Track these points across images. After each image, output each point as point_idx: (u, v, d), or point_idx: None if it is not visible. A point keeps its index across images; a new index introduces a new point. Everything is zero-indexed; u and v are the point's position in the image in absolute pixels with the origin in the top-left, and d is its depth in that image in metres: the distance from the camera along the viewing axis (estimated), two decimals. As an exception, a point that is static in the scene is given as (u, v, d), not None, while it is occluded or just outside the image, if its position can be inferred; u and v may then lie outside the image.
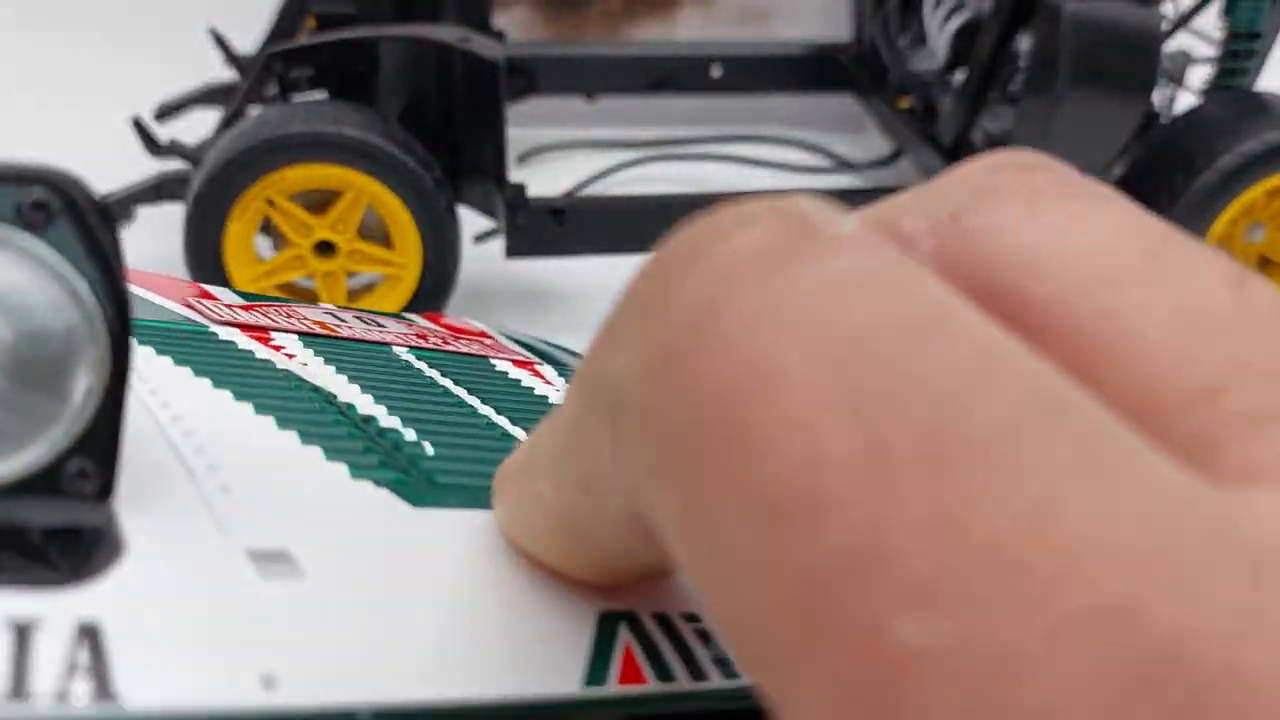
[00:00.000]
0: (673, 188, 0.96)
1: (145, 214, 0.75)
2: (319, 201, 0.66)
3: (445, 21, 0.84)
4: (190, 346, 0.29)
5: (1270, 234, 0.70)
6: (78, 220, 0.18)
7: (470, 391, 0.31)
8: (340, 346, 0.32)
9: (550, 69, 0.97)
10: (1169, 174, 0.68)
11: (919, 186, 0.16)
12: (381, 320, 0.38)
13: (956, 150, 0.81)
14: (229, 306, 0.34)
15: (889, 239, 0.15)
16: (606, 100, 1.01)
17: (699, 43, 1.04)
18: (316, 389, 0.28)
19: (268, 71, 0.68)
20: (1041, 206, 0.14)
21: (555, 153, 1.03)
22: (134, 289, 0.34)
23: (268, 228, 0.66)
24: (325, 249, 0.66)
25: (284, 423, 0.25)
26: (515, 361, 0.36)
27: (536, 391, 0.34)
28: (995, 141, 0.80)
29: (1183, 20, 0.76)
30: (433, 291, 0.68)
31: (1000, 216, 0.14)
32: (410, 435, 0.26)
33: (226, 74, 0.89)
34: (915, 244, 0.15)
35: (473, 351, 0.36)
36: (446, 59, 0.70)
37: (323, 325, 0.35)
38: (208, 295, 0.36)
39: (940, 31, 0.87)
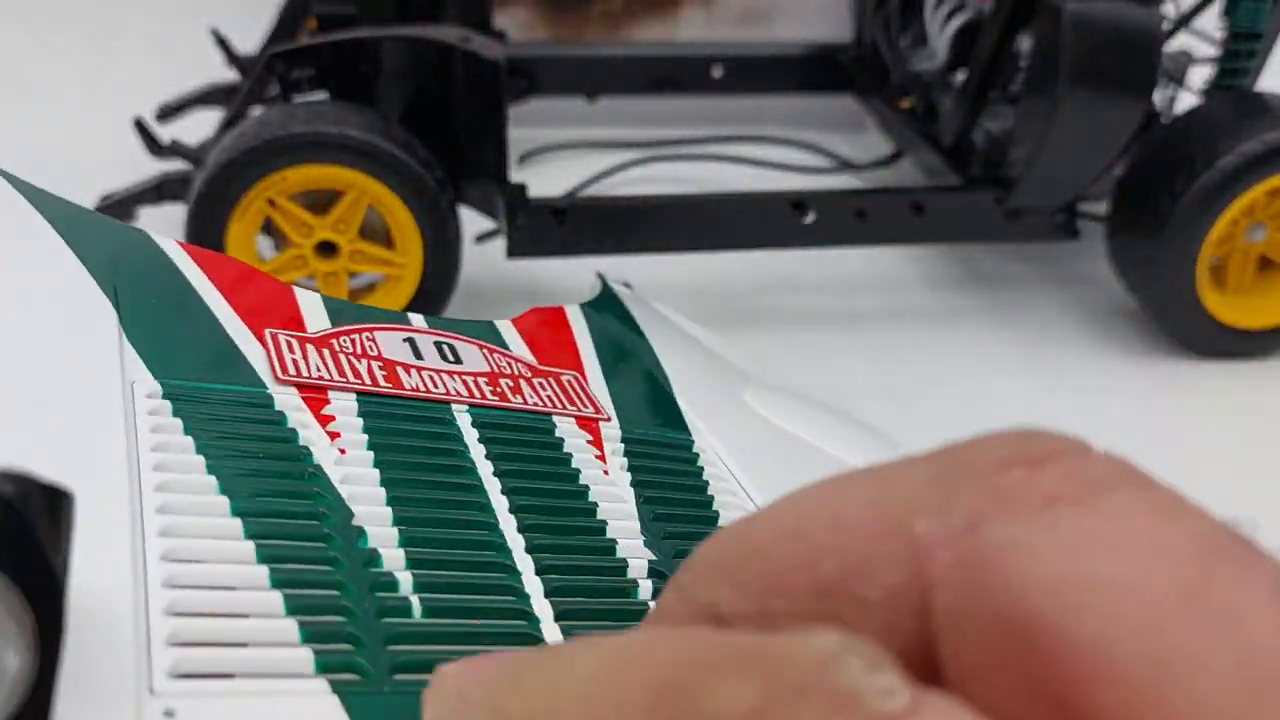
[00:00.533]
0: (674, 188, 0.96)
1: (146, 214, 0.75)
2: (320, 202, 0.66)
3: (446, 22, 0.84)
4: (232, 425, 0.29)
5: (1271, 234, 0.70)
6: (16, 524, 0.18)
7: (508, 490, 0.30)
8: (394, 414, 0.32)
9: (551, 69, 0.97)
10: (1170, 174, 0.68)
11: (927, 460, 0.15)
12: (461, 348, 0.37)
13: (957, 150, 0.81)
14: (304, 342, 0.34)
15: (907, 553, 0.14)
16: (607, 100, 1.01)
17: (700, 43, 1.04)
18: (334, 505, 0.28)
19: (269, 72, 0.68)
20: (1059, 517, 0.13)
21: (556, 153, 1.03)
22: (219, 310, 0.34)
23: (269, 228, 0.66)
24: (327, 249, 0.66)
25: (264, 556, 0.25)
26: (579, 419, 0.35)
27: (580, 479, 0.33)
28: (996, 141, 0.80)
29: (1183, 20, 0.76)
30: (434, 292, 0.68)
31: (1018, 531, 0.13)
32: (405, 584, 0.26)
33: (228, 74, 0.89)
34: (932, 554, 0.14)
35: (539, 404, 0.35)
36: (447, 59, 0.70)
37: (389, 372, 0.34)
38: (292, 319, 0.35)
39: (941, 32, 0.87)
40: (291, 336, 0.34)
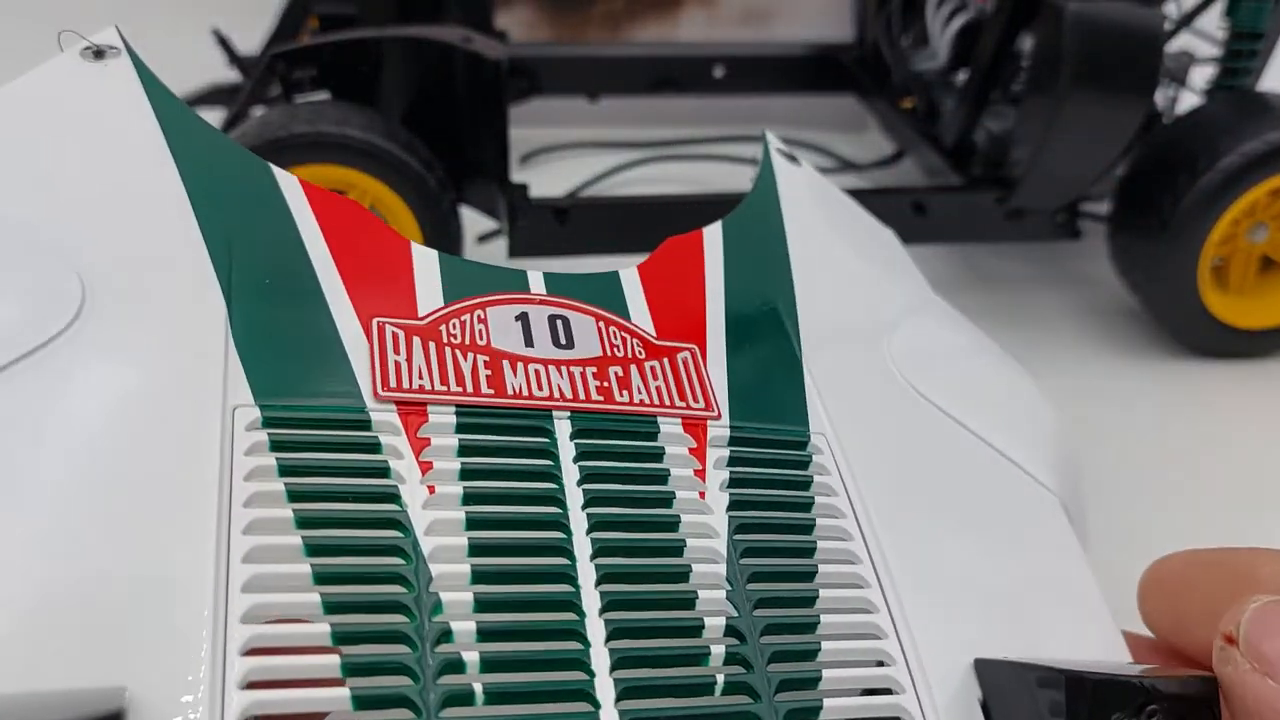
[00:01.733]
0: (675, 188, 0.96)
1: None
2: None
3: (448, 23, 0.84)
4: (325, 457, 0.28)
5: (1273, 234, 0.70)
6: None
7: (592, 526, 0.29)
8: (491, 427, 0.31)
9: (553, 70, 0.97)
10: (1172, 174, 0.68)
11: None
12: (575, 323, 0.34)
13: (958, 150, 0.81)
14: (411, 334, 0.32)
15: None
16: (609, 100, 1.01)
17: (701, 43, 1.04)
18: (416, 566, 0.27)
19: (270, 72, 0.68)
20: None
21: (558, 153, 1.03)
22: (331, 291, 0.32)
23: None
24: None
25: (339, 637, 0.25)
26: (686, 421, 0.33)
27: (673, 505, 0.31)
28: (997, 141, 0.80)
29: (1185, 20, 0.76)
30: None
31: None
32: (473, 665, 0.25)
33: (229, 75, 0.89)
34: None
35: (645, 401, 0.33)
36: (449, 59, 0.70)
37: (494, 371, 0.32)
38: (404, 295, 0.33)
39: (942, 32, 0.87)
40: (399, 327, 0.32)
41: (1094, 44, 0.66)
